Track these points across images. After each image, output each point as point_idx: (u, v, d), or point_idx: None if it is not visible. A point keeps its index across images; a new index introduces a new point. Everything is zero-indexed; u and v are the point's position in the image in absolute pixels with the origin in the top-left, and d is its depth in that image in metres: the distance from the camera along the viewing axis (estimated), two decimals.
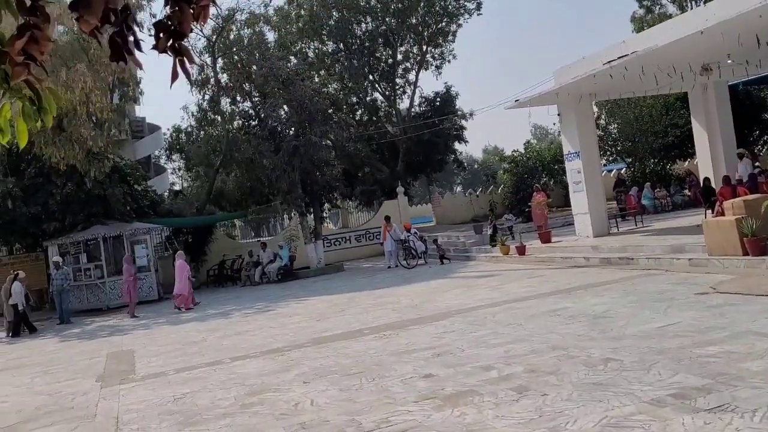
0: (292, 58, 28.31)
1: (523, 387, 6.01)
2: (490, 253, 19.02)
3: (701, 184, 18.51)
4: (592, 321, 8.55)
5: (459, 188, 58.32)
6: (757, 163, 19.23)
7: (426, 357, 7.82)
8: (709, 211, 15.37)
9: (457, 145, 34.06)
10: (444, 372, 6.99)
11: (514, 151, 31.03)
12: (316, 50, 31.28)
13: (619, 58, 14.01)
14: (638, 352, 6.68)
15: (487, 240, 20.03)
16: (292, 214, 22.81)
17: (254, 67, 21.68)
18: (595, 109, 28.06)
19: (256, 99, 22.56)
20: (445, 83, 52.82)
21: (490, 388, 6.13)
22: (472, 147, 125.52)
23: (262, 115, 22.10)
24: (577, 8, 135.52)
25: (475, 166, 61.83)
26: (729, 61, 14.41)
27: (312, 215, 23.30)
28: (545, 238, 17.58)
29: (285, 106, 21.91)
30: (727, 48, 13.29)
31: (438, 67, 32.10)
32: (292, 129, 21.60)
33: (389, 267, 20.63)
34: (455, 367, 7.10)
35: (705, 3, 17.43)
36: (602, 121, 27.49)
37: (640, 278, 11.55)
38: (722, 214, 12.17)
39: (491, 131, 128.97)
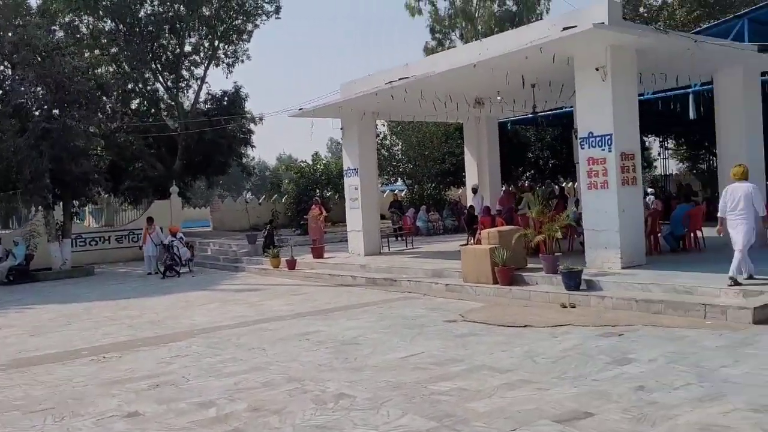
0: (57, 29, 24.95)
1: None
2: (260, 264, 18.09)
3: (466, 212, 19.42)
4: (339, 348, 8.01)
5: (249, 194, 56.60)
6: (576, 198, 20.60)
7: (141, 389, 6.62)
8: (472, 238, 16.06)
9: (245, 149, 32.70)
10: (153, 409, 5.87)
11: (303, 161, 30.60)
12: (90, 26, 27.99)
13: (399, 79, 14.03)
14: (374, 386, 6.18)
15: (260, 251, 19.07)
16: (39, 207, 19.72)
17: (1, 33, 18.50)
18: (383, 128, 28.72)
19: (2, 68, 19.31)
20: (235, 83, 51.06)
21: None
22: (266, 153, 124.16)
23: (7, 87, 18.91)
24: (381, 35, 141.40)
25: (267, 173, 60.80)
26: (498, 98, 15.19)
27: (62, 209, 20.35)
28: (318, 253, 17.11)
29: (40, 83, 18.93)
30: (497, 84, 13.92)
31: (230, 66, 30.55)
32: (44, 108, 18.74)
33: (148, 273, 18.71)
34: (169, 403, 6.02)
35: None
36: (388, 141, 28.13)
37: (399, 301, 11.41)
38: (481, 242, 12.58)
39: (289, 139, 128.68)
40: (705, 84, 18.28)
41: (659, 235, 13.17)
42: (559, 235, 11.97)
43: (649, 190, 21.07)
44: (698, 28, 20.19)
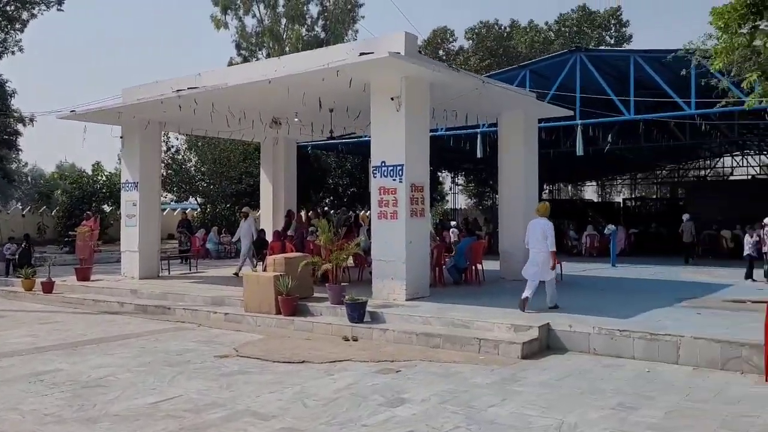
0: None
1: None
2: (10, 286, 15.51)
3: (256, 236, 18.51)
4: (77, 391, 6.68)
5: (18, 204, 50.05)
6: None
7: None
8: (262, 264, 15.19)
9: (8, 152, 28.57)
10: None
11: (82, 171, 27.50)
12: None
13: (189, 89, 12.88)
14: None
15: (7, 270, 16.40)
16: None
17: None
18: (177, 141, 26.88)
19: None
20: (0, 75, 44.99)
21: None
22: (43, 160, 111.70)
23: None
24: (188, 45, 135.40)
25: (41, 181, 54.20)
26: (296, 119, 14.68)
27: None
28: (83, 275, 15.06)
29: None
30: (295, 105, 13.40)
31: None
32: None
33: None
34: None
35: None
36: (181, 156, 26.35)
37: (168, 333, 10.18)
38: None
39: (75, 146, 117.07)
40: (492, 125, 19.54)
41: (444, 267, 13.44)
42: (350, 262, 11.64)
43: (453, 222, 21.86)
44: (488, 74, 21.57)
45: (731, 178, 41.75)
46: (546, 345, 8.55)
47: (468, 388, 6.67)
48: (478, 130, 20.13)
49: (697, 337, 7.65)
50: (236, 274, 15.32)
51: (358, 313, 9.72)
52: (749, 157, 40.32)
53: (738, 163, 41.00)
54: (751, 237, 14.76)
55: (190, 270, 17.42)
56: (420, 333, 8.96)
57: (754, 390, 6.51)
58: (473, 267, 13.60)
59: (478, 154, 20.16)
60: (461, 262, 13.32)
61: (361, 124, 14.95)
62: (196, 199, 27.31)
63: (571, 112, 15.44)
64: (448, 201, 44.18)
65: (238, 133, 16.44)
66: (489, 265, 14.97)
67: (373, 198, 11.45)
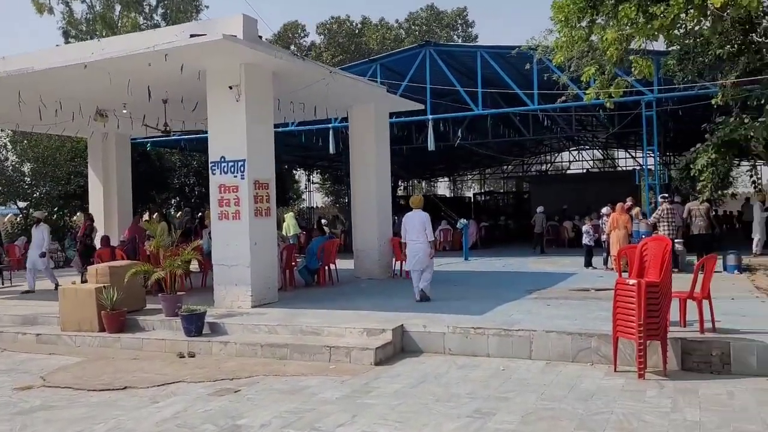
0: None
1: None
2: None
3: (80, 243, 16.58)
4: None
5: None
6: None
7: None
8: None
9: None
10: None
11: None
12: None
13: None
14: None
15: None
16: None
17: None
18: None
19: None
20: None
21: None
22: None
23: None
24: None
25: None
26: (124, 111, 13.16)
27: None
28: None
29: None
30: (120, 94, 11.92)
31: None
32: None
33: None
34: None
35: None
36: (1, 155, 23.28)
37: None
38: None
39: None
40: (345, 120, 19.02)
41: (295, 269, 12.64)
42: (195, 268, 10.48)
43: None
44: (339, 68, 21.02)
45: (569, 172, 44.76)
46: (401, 348, 8.06)
47: (315, 406, 5.95)
48: (330, 126, 19.54)
49: (548, 330, 7.49)
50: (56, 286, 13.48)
51: (195, 325, 8.67)
52: (584, 152, 43.41)
53: (574, 158, 44.00)
54: (590, 227, 15.42)
55: (2, 284, 15.18)
56: (265, 344, 8.10)
57: (605, 382, 6.39)
58: (326, 267, 12.93)
59: (331, 150, 19.61)
60: (313, 263, 12.60)
61: (200, 117, 13.69)
62: (16, 204, 24.22)
63: (422, 106, 15.29)
64: (304, 200, 43.36)
65: (58, 127, 14.47)
66: (344, 264, 14.41)
67: (213, 197, 10.40)
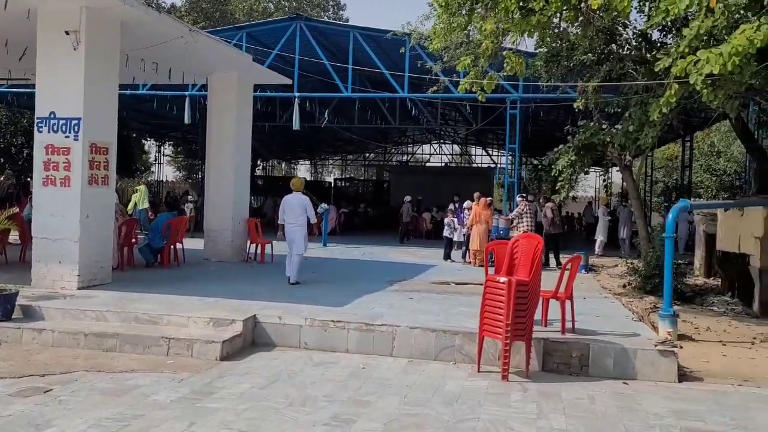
0: None
1: None
2: None
3: None
4: None
5: None
6: None
7: None
8: None
9: None
10: None
11: None
12: None
13: None
14: None
15: None
16: None
17: None
18: None
19: None
20: None
21: None
22: None
23: None
24: None
25: None
26: None
27: None
28: None
29: None
30: None
31: None
32: None
33: None
34: None
35: None
36: None
37: None
38: None
39: None
40: (204, 88, 17.67)
41: (135, 247, 11.32)
42: (16, 239, 8.91)
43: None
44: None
45: (428, 164, 45.75)
46: (251, 341, 7.27)
47: (144, 411, 5.04)
48: (187, 93, 18.07)
49: (412, 326, 7.07)
50: None
51: (3, 308, 7.27)
52: (444, 146, 44.53)
53: (435, 151, 45.00)
54: (452, 219, 15.44)
55: None
56: (90, 333, 6.94)
57: (469, 384, 6.05)
58: (171, 247, 11.72)
59: (186, 120, 18.20)
60: (156, 241, 11.34)
61: (31, 67, 11.83)
62: None
63: (289, 81, 14.38)
64: (153, 172, 40.47)
65: None
66: (194, 245, 13.26)
67: (37, 159, 8.90)
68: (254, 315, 7.38)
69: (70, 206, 8.67)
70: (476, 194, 14.44)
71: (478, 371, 6.43)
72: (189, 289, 9.07)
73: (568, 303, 7.11)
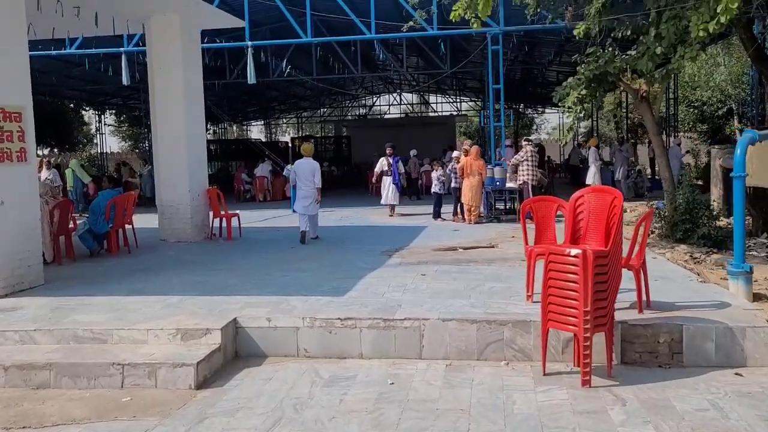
0: None
1: None
2: None
3: None
4: None
5: None
6: None
7: None
8: None
9: None
10: None
11: None
12: None
13: None
14: None
15: None
16: None
17: None
18: None
19: None
20: None
21: None
22: None
23: None
24: None
25: None
26: None
27: None
28: None
29: None
30: None
31: None
32: None
33: None
34: None
35: None
36: None
37: None
38: None
39: None
40: (142, 44, 15.42)
41: (73, 234, 9.30)
42: None
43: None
44: None
45: (387, 116, 43.75)
46: (233, 352, 5.55)
47: None
48: (123, 50, 15.71)
49: (445, 318, 5.42)
50: None
51: None
52: (403, 96, 42.50)
53: (393, 102, 42.94)
54: (442, 173, 13.77)
55: None
56: (12, 365, 5.08)
57: (543, 397, 4.45)
58: (119, 230, 9.74)
59: (125, 81, 15.91)
60: (100, 225, 9.33)
61: None
62: None
63: (242, 22, 12.20)
64: (96, 144, 37.43)
65: None
66: (145, 223, 11.31)
67: None
68: (234, 318, 5.62)
69: None
70: (467, 143, 12.79)
71: (544, 374, 4.86)
72: (144, 284, 7.23)
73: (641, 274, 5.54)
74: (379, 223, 13.41)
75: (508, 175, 13.04)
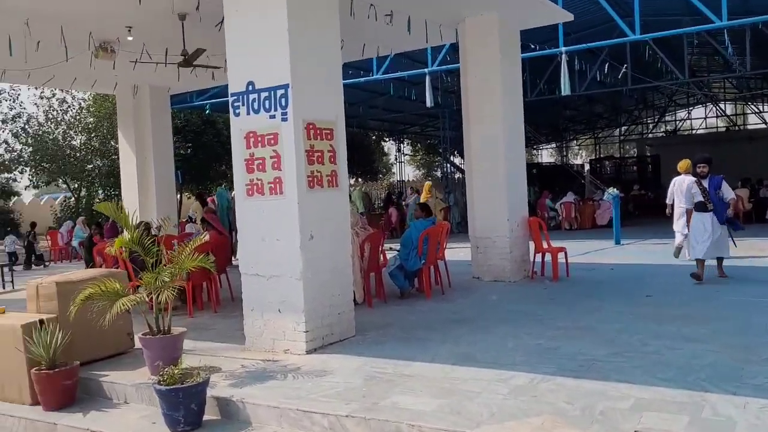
0: None
1: None
2: None
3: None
4: None
5: None
6: None
7: None
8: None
9: None
10: None
11: None
12: None
13: None
14: None
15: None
16: None
17: None
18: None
19: None
20: None
21: None
22: None
23: None
24: None
25: None
26: (130, 38, 8.95)
27: None
28: None
29: None
30: (120, 11, 7.78)
31: None
32: None
33: None
34: None
35: None
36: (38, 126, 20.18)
37: None
38: None
39: None
40: (444, 63, 14.58)
41: (383, 271, 8.06)
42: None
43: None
44: None
45: (698, 131, 37.98)
46: None
47: None
48: (426, 70, 14.87)
49: None
50: None
51: (185, 409, 4.29)
52: (717, 105, 36.50)
53: (711, 113, 37.03)
54: None
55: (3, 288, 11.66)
56: None
57: None
58: (431, 267, 8.29)
59: (428, 103, 15.02)
60: (412, 261, 7.96)
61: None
62: (66, 183, 21.05)
63: (571, 16, 10.10)
64: (394, 174, 38.73)
65: (63, 80, 10.57)
66: (449, 256, 9.77)
67: (237, 157, 5.94)
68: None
69: (285, 224, 5.59)
70: None
71: None
72: (472, 346, 5.46)
73: None
74: (744, 264, 10.05)
75: None
